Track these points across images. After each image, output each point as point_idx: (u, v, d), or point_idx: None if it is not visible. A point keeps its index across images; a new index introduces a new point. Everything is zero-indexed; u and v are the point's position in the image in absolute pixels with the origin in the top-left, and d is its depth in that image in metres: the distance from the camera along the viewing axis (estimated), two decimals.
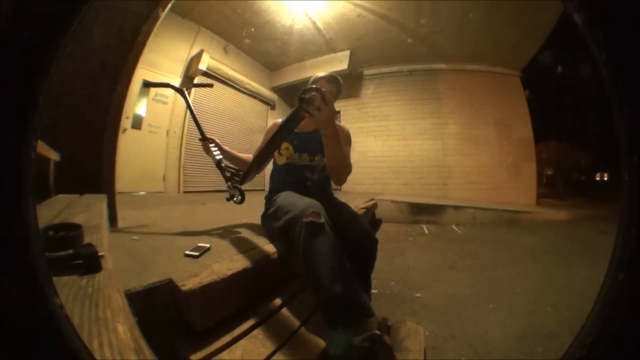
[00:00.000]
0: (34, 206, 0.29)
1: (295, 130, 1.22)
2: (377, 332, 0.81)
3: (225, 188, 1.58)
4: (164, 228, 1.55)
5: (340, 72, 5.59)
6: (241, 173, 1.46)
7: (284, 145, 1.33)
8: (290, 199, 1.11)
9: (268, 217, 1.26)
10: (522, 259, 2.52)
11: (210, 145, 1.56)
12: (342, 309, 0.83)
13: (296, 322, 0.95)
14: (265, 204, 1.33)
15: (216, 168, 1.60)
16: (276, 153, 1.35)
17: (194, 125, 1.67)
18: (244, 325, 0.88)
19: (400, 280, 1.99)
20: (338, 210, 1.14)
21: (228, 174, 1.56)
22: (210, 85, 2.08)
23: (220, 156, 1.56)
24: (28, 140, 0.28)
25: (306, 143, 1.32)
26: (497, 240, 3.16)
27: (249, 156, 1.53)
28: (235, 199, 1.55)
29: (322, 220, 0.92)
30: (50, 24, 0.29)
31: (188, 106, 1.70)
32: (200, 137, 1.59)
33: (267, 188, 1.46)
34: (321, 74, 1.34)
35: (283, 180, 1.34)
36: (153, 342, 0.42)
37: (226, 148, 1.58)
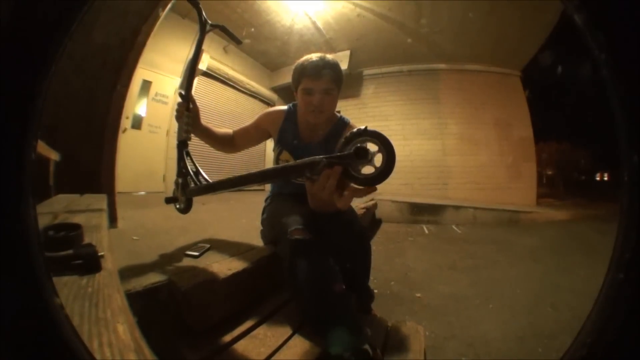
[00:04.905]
0: (34, 206, 0.29)
1: (299, 142, 1.12)
2: (366, 348, 0.78)
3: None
4: (164, 228, 1.55)
5: None
6: (202, 180, 1.06)
7: (285, 156, 1.15)
8: (280, 211, 1.07)
9: (264, 221, 1.25)
10: (522, 259, 2.52)
11: (186, 112, 1.09)
12: (326, 328, 0.81)
13: (296, 322, 0.95)
14: (263, 207, 1.30)
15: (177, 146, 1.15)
16: (274, 161, 1.21)
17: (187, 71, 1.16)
18: (244, 325, 0.88)
19: (400, 280, 1.99)
20: (335, 214, 1.06)
21: (185, 169, 1.10)
22: (240, 42, 1.52)
23: (190, 133, 1.14)
24: (28, 140, 0.28)
25: (310, 156, 1.10)
26: (497, 240, 3.16)
27: (227, 132, 1.23)
28: (177, 205, 1.16)
29: (308, 237, 0.89)
30: (50, 24, 0.29)
31: (201, 32, 1.18)
32: (182, 92, 1.11)
33: (266, 188, 1.42)
34: (305, 61, 1.01)
35: (279, 189, 1.25)
36: (153, 342, 0.42)
37: (204, 123, 1.16)
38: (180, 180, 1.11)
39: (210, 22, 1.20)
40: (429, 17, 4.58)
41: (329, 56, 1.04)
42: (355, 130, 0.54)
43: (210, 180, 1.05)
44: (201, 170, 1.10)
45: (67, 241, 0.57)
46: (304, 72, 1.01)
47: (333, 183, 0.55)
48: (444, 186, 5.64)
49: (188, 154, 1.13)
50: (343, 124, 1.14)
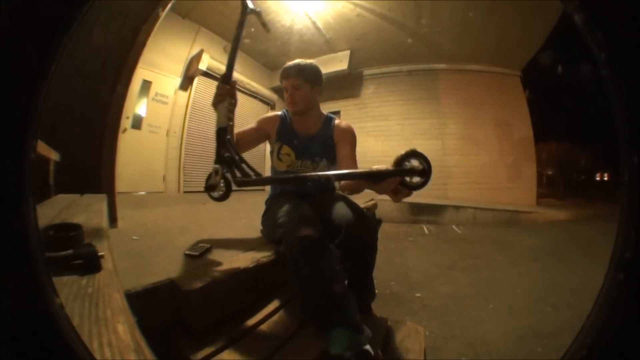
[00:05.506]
0: (34, 206, 0.29)
1: (296, 138, 1.21)
2: (367, 349, 0.78)
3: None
4: (164, 228, 1.55)
5: (340, 72, 5.60)
6: (247, 169, 1.00)
7: (285, 149, 1.22)
8: (283, 209, 1.07)
9: (265, 221, 1.26)
10: (522, 259, 2.52)
11: (229, 97, 1.02)
12: (327, 327, 0.82)
13: (296, 322, 0.95)
14: (265, 208, 1.31)
15: (217, 133, 1.04)
16: (275, 157, 1.25)
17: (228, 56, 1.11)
18: (244, 325, 0.88)
19: (401, 280, 1.99)
20: (339, 207, 1.09)
21: (228, 154, 1.02)
22: (269, 30, 1.29)
23: (231, 121, 1.06)
24: (28, 140, 0.28)
25: (309, 148, 1.22)
26: (497, 240, 3.16)
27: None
28: (214, 193, 1.09)
29: (315, 235, 0.89)
30: (50, 24, 0.29)
31: (242, 13, 1.11)
32: (225, 74, 1.05)
33: (266, 188, 1.43)
34: (287, 65, 1.19)
35: (281, 188, 1.29)
36: (153, 342, 0.42)
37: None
38: (219, 168, 1.04)
39: (250, 6, 1.12)
40: (429, 17, 4.59)
41: (308, 60, 1.20)
42: (408, 150, 0.80)
43: (255, 170, 1.00)
44: (245, 159, 1.05)
45: (67, 241, 0.57)
46: (280, 75, 1.21)
47: (392, 186, 0.79)
48: (444, 186, 5.64)
49: (230, 142, 1.04)
50: (330, 120, 1.29)
